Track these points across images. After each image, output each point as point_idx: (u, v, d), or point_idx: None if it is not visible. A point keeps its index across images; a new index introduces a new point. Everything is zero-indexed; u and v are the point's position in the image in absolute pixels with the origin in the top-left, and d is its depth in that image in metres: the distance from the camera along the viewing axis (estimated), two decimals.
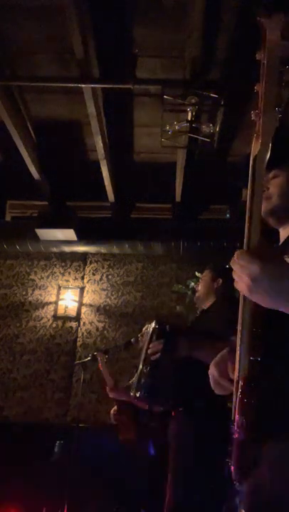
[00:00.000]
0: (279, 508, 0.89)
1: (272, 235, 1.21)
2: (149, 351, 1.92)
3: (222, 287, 2.36)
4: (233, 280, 0.88)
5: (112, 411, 3.01)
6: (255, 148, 0.86)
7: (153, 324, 1.99)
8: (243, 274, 0.82)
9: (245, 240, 0.86)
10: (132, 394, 2.03)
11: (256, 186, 0.85)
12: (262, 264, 0.80)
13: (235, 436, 0.90)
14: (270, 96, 0.82)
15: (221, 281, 2.37)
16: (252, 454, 0.91)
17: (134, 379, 2.05)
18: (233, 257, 0.84)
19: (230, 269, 0.85)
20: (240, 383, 0.89)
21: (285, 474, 0.90)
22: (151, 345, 1.91)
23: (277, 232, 1.22)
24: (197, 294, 2.50)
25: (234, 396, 0.92)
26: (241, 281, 0.83)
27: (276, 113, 0.83)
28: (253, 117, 0.85)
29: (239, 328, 0.89)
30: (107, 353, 3.52)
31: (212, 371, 1.05)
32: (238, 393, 0.89)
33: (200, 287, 2.48)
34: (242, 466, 0.90)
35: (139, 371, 1.99)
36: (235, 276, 0.85)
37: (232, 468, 0.91)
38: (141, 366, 1.97)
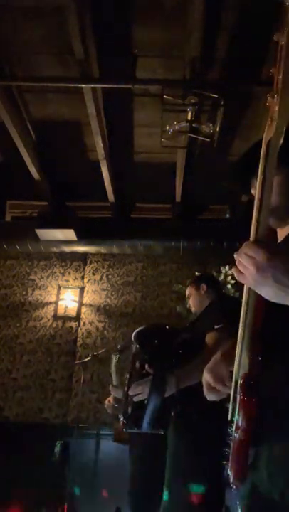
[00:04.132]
0: (278, 509, 0.88)
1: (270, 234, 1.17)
2: (130, 393, 1.86)
3: (208, 291, 2.42)
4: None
5: (106, 401, 3.02)
6: (268, 133, 0.81)
7: (134, 348, 1.95)
8: (248, 264, 0.78)
9: (252, 230, 0.82)
10: (120, 420, 1.98)
11: (268, 173, 0.81)
12: (269, 255, 0.77)
13: (234, 437, 0.89)
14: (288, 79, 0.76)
15: (204, 286, 2.43)
16: (250, 455, 0.90)
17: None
18: (240, 248, 0.80)
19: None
20: (240, 382, 0.87)
21: (284, 474, 0.89)
22: (131, 387, 1.86)
23: (275, 232, 1.19)
24: (193, 310, 2.55)
25: (232, 396, 0.91)
26: (246, 272, 0.79)
27: None
28: (268, 102, 0.79)
29: (240, 326, 0.86)
30: (121, 352, 3.46)
31: (206, 377, 1.02)
32: (239, 392, 0.88)
33: (191, 302, 2.53)
34: (240, 467, 0.89)
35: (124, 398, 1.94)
36: (240, 267, 0.81)
37: (230, 470, 0.90)
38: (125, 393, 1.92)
